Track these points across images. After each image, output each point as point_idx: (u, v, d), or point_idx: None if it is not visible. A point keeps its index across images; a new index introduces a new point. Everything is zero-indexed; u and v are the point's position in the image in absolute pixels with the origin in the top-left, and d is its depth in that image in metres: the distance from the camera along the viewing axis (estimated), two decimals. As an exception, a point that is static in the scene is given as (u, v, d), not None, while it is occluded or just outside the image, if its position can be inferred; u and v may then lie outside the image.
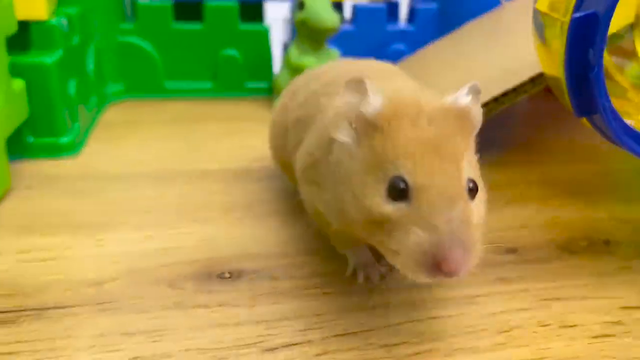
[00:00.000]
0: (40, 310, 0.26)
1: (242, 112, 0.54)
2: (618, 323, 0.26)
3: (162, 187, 0.38)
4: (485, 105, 0.38)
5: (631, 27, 0.37)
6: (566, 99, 0.28)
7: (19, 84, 0.38)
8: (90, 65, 0.50)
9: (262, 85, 0.58)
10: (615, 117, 0.24)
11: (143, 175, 0.40)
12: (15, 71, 0.39)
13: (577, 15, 0.21)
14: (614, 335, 0.25)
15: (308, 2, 0.51)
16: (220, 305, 0.27)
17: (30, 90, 0.40)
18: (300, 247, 0.32)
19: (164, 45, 0.56)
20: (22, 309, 0.26)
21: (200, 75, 0.57)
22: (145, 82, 0.56)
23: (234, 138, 0.47)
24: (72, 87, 0.44)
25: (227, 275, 0.29)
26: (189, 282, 0.28)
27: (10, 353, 0.23)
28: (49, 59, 0.41)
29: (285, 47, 0.61)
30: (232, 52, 0.57)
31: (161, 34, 0.55)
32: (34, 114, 0.41)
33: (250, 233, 0.33)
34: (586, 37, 0.22)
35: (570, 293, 0.28)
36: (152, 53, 0.56)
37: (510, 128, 0.52)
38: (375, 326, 0.25)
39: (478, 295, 0.28)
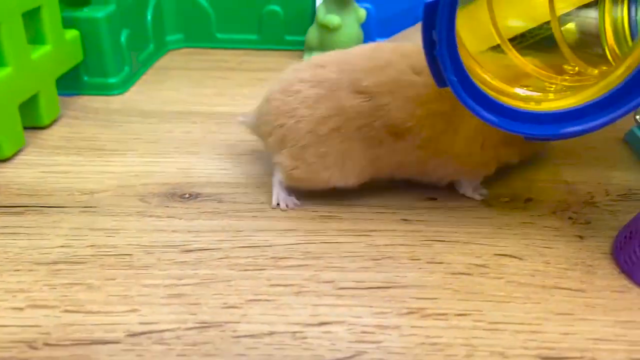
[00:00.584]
0: (42, 207, 0.35)
1: (276, 63, 0.61)
2: (482, 266, 0.30)
3: (176, 124, 0.47)
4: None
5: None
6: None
7: (72, 33, 0.48)
8: (149, 17, 0.59)
9: (300, 38, 0.64)
10: (467, 88, 0.27)
11: (167, 113, 0.49)
12: (72, 23, 0.49)
13: (427, 1, 0.25)
14: (470, 274, 0.30)
15: (336, -34, 0.56)
16: (168, 217, 0.34)
17: (84, 39, 0.49)
18: (252, 181, 0.38)
19: (217, 0, 0.63)
20: (31, 205, 0.35)
21: (247, 28, 0.64)
22: (201, 33, 0.65)
23: (257, 86, 0.54)
24: (123, 36, 0.53)
25: (187, 196, 0.37)
26: (155, 198, 0.36)
27: (13, 234, 0.33)
28: (101, 13, 0.50)
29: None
30: (275, 7, 0.63)
31: (214, -10, 0.63)
32: (88, 58, 0.51)
33: (222, 165, 0.40)
34: (431, 21, 0.25)
35: (458, 238, 0.33)
36: (207, 7, 0.64)
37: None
38: (273, 244, 0.32)
39: (374, 230, 0.33)
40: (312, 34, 0.59)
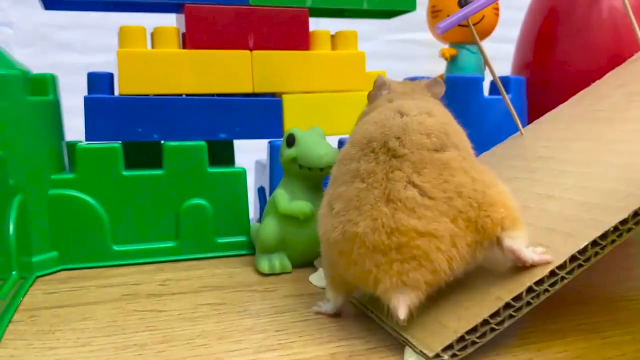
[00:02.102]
0: None
1: (216, 277, 0.41)
2: None
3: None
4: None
5: None
6: None
7: None
8: (11, 229, 0.37)
9: (238, 239, 0.46)
10: None
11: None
12: None
13: None
14: None
15: (299, 136, 0.41)
16: None
17: None
18: None
19: (112, 198, 0.44)
20: None
21: (159, 233, 0.45)
22: (87, 247, 0.43)
23: (208, 322, 0.34)
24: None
25: None
26: None
27: None
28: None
29: (261, 192, 0.50)
30: (199, 201, 0.45)
31: (108, 183, 0.44)
32: None
33: None
34: None
35: None
36: (96, 206, 0.43)
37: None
38: None
39: None
40: (269, 228, 0.42)
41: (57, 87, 0.46)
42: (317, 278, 0.39)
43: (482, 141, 0.43)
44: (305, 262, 0.42)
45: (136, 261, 0.44)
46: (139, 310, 0.35)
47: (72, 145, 0.45)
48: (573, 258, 0.28)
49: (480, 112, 0.50)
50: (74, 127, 0.49)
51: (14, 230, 0.38)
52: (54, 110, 0.44)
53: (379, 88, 0.36)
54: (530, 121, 0.49)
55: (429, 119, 0.30)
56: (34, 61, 0.48)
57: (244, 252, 0.46)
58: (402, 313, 0.27)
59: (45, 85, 0.44)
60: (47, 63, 0.72)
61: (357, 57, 0.51)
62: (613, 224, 0.28)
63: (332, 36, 0.51)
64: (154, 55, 0.45)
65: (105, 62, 0.74)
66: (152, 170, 0.44)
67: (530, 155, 0.41)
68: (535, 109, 0.51)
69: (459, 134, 0.31)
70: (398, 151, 0.29)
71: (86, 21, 0.79)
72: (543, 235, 0.31)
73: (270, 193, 0.48)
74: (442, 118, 0.31)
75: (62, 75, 0.47)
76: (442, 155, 0.29)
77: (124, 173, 0.44)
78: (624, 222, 0.29)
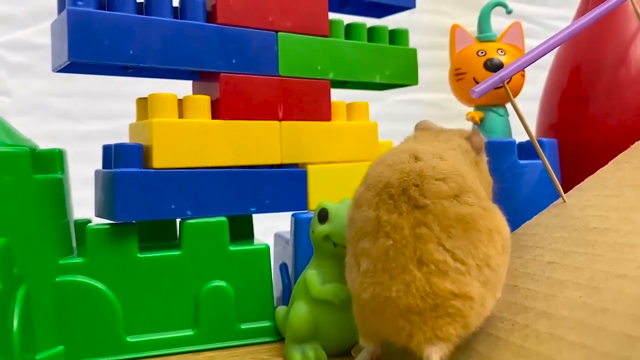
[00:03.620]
0: None
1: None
2: None
3: None
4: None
5: None
6: None
7: None
8: (14, 325, 0.33)
9: (263, 324, 0.42)
10: None
11: None
12: None
13: None
14: None
15: (333, 211, 0.38)
16: None
17: None
18: None
19: (125, 284, 0.40)
20: None
21: (177, 321, 0.41)
22: (97, 339, 0.39)
23: None
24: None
25: None
26: None
27: None
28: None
29: (284, 270, 0.46)
30: (219, 283, 0.41)
31: (121, 267, 0.40)
32: None
33: None
34: None
35: None
36: (106, 292, 0.39)
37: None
38: None
39: None
40: (299, 312, 0.38)
41: (66, 163, 0.43)
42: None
43: (518, 209, 0.41)
44: (342, 351, 0.38)
45: (152, 353, 0.40)
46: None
47: (80, 225, 0.42)
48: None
49: (515, 177, 0.47)
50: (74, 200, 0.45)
51: (18, 325, 0.34)
52: (62, 188, 0.41)
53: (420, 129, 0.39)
54: (563, 187, 0.46)
55: (441, 163, 0.31)
56: (30, 130, 0.45)
57: (269, 339, 0.42)
58: None
59: (53, 161, 0.41)
60: (44, 131, 0.69)
61: (371, 127, 0.50)
62: None
63: (347, 106, 0.50)
64: (190, 126, 0.42)
65: (105, 130, 0.72)
66: (169, 251, 0.41)
67: (582, 226, 0.38)
68: (568, 173, 0.48)
69: (473, 177, 0.32)
70: (419, 201, 0.29)
71: (84, 88, 0.77)
72: (628, 323, 0.27)
73: (294, 271, 0.44)
74: (454, 161, 0.31)
75: (59, 144, 0.43)
76: (463, 208, 0.29)
77: (139, 255, 0.40)
78: None
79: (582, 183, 0.45)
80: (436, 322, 0.28)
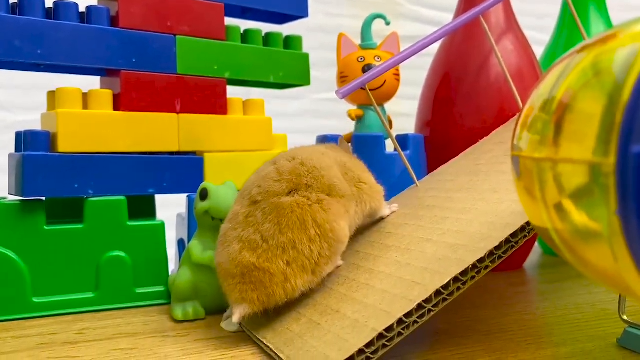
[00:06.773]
0: None
1: (132, 325, 0.44)
2: None
3: None
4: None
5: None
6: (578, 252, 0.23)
7: None
8: None
9: (157, 289, 0.49)
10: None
11: None
12: None
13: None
14: None
15: (212, 190, 0.45)
16: None
17: None
18: None
19: (33, 252, 0.46)
20: None
21: (79, 285, 0.47)
22: (6, 300, 0.45)
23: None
24: None
25: None
26: None
27: None
28: None
29: (181, 244, 0.53)
30: (118, 253, 0.48)
31: (30, 238, 0.46)
32: None
33: None
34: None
35: None
36: (16, 259, 0.45)
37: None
38: None
39: None
40: (184, 277, 0.45)
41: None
42: (228, 323, 0.42)
43: (387, 192, 0.48)
44: (218, 309, 0.45)
45: (56, 312, 0.46)
46: (52, 357, 0.37)
47: (-4, 202, 0.48)
48: (438, 292, 0.32)
49: (384, 166, 0.55)
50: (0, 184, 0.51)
51: None
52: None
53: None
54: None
55: (287, 164, 0.40)
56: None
57: (162, 301, 0.49)
58: (236, 318, 0.37)
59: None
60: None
61: (266, 122, 0.58)
62: (472, 262, 0.33)
63: (243, 102, 0.56)
64: (92, 116, 0.48)
65: (34, 120, 0.77)
66: (73, 225, 0.47)
67: (419, 204, 0.46)
68: (437, 163, 0.57)
69: (330, 175, 0.40)
70: (255, 198, 0.39)
71: (19, 82, 0.81)
72: (418, 274, 0.35)
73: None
74: (306, 160, 0.40)
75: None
76: (283, 203, 0.38)
77: (46, 227, 0.46)
78: (481, 260, 0.33)
79: (434, 171, 0.53)
80: (243, 287, 0.37)
